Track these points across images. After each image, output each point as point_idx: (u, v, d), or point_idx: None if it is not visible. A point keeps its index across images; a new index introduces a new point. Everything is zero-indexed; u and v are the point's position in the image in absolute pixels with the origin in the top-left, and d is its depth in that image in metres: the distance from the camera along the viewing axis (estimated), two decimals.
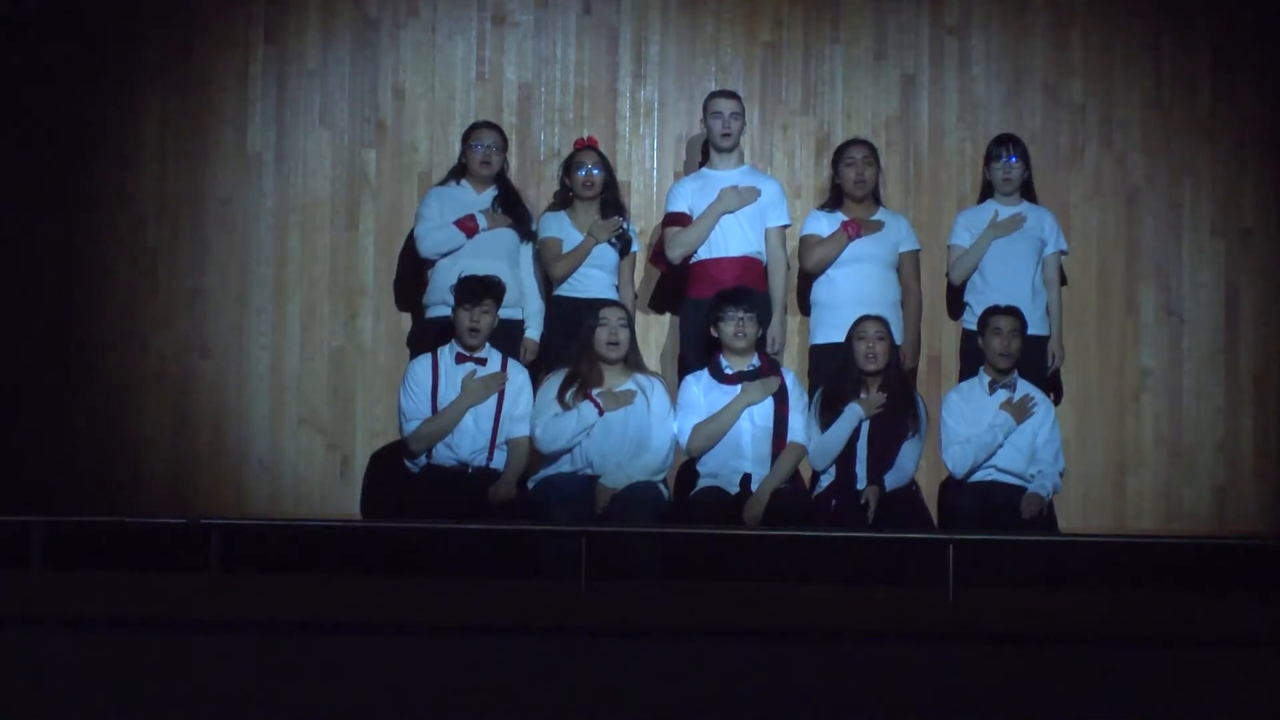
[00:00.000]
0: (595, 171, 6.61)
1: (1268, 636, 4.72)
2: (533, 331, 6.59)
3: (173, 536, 5.76)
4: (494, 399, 6.14)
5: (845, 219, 6.65)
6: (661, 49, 7.23)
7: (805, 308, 6.83)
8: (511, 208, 6.61)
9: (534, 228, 6.65)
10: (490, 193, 6.63)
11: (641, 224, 7.01)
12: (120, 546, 5.78)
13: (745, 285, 6.36)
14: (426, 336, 6.54)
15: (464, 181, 6.65)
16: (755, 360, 6.21)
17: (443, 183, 6.71)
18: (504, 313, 6.27)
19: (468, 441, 6.11)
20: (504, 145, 6.71)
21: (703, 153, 6.88)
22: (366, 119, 7.16)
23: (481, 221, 6.51)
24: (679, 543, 5.84)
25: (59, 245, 7.05)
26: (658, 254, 6.84)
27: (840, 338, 6.32)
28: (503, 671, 4.54)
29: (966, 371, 6.59)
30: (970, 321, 6.63)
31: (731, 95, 6.74)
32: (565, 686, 4.54)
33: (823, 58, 7.24)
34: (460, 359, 6.18)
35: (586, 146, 6.68)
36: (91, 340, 7.03)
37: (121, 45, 7.12)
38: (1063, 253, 6.79)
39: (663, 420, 6.14)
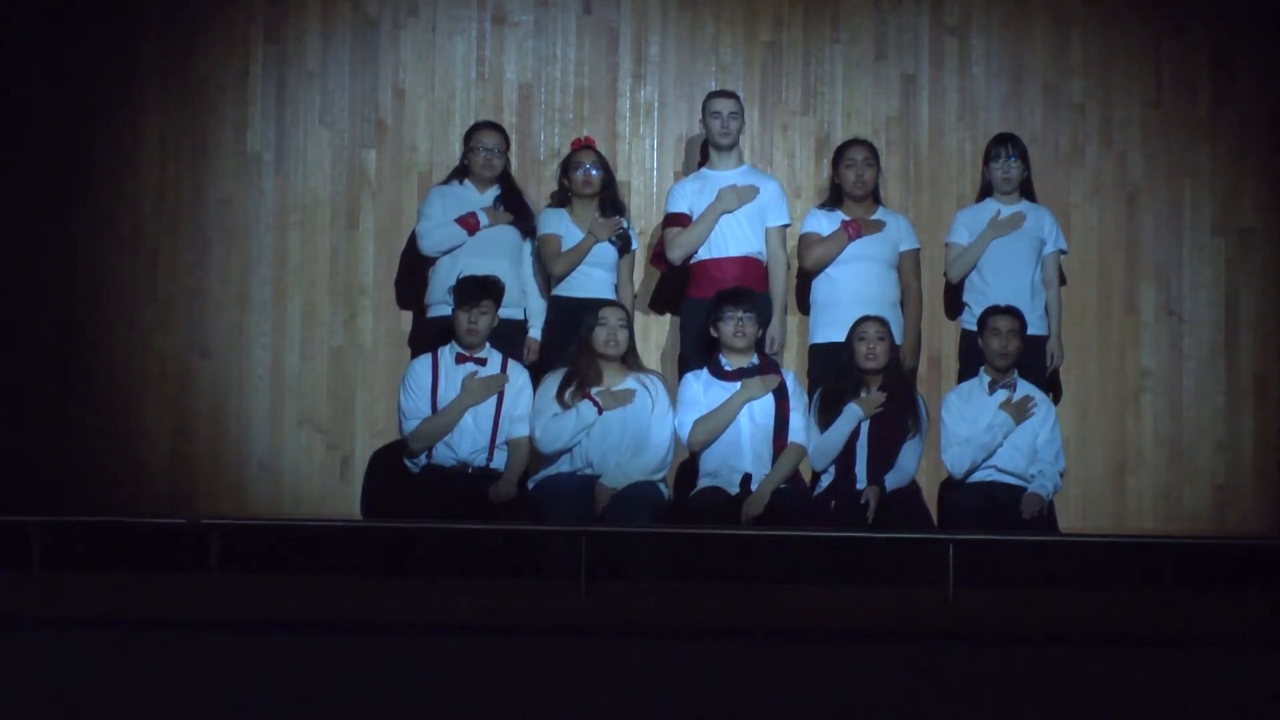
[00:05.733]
0: (593, 171, 6.60)
1: (1268, 636, 4.71)
2: (535, 331, 6.59)
3: (173, 536, 5.76)
4: (494, 399, 6.14)
5: (846, 219, 6.65)
6: (661, 49, 7.22)
7: (805, 307, 6.83)
8: (514, 206, 6.61)
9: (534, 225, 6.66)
10: (493, 192, 6.62)
11: (641, 224, 7.01)
12: (120, 546, 5.78)
13: (745, 285, 6.36)
14: (427, 336, 6.54)
15: (466, 181, 6.65)
16: (754, 359, 6.21)
17: (445, 182, 6.71)
18: (505, 312, 6.27)
19: (468, 441, 6.10)
20: (506, 146, 6.69)
21: (702, 153, 6.87)
22: (366, 119, 7.15)
23: (483, 219, 6.50)
24: (679, 543, 5.84)
25: (59, 245, 7.05)
26: (658, 255, 6.84)
27: (840, 337, 6.32)
28: (503, 671, 4.53)
29: (966, 371, 6.59)
30: (970, 321, 6.62)
31: (730, 95, 6.73)
32: (565, 686, 4.53)
33: (823, 58, 7.23)
34: (460, 359, 6.18)
35: (584, 146, 6.68)
36: (91, 340, 7.03)
37: (121, 45, 7.12)
38: (1062, 252, 6.79)
39: (662, 419, 6.14)
